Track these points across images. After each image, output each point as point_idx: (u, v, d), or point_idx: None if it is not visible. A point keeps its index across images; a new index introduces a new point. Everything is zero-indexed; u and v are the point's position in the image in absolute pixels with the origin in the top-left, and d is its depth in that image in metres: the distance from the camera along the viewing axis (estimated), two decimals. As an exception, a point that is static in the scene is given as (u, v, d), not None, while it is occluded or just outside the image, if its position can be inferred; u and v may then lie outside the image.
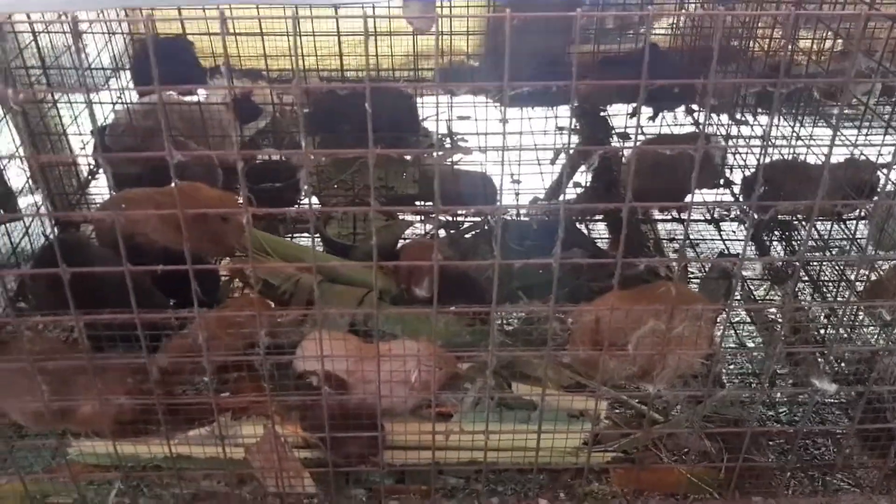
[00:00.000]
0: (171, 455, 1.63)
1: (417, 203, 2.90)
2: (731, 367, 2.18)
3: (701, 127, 2.78)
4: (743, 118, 3.17)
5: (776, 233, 2.73)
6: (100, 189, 3.03)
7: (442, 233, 2.75)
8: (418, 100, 3.33)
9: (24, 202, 2.67)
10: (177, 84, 1.26)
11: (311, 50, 3.18)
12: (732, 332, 2.28)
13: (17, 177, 2.68)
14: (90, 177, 3.10)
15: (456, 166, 3.09)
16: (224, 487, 1.76)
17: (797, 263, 1.43)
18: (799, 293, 2.45)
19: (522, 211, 2.96)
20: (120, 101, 3.05)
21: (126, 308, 1.41)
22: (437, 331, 1.93)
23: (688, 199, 1.29)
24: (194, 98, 3.12)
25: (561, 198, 1.24)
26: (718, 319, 1.90)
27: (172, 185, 2.49)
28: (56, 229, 2.83)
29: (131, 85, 3.26)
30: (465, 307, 1.61)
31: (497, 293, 1.33)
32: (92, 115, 1.38)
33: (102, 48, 3.20)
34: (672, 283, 1.52)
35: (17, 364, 1.68)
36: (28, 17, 2.63)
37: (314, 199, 3.05)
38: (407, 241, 2.66)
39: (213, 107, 3.01)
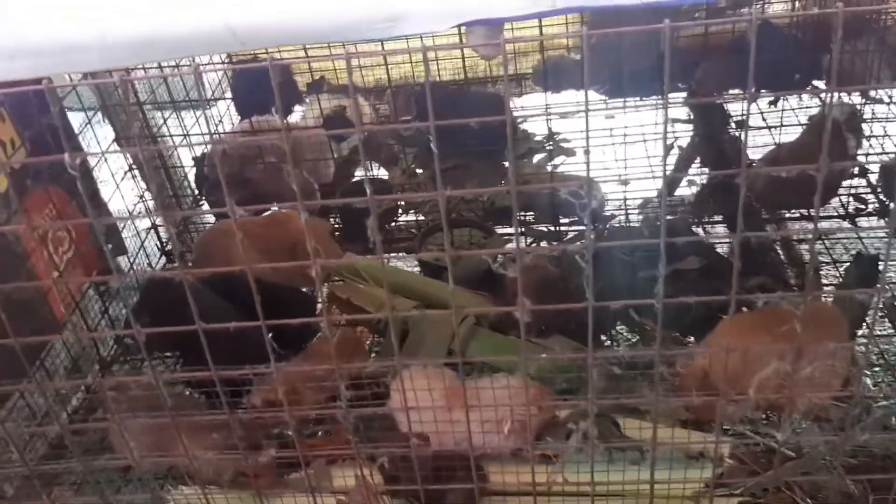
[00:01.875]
0: (262, 506, 1.58)
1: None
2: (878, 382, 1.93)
3: (827, 112, 2.49)
4: (878, 96, 2.83)
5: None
6: (205, 217, 3.07)
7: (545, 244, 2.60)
8: (515, 101, 3.19)
9: (126, 233, 2.74)
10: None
11: (405, 57, 3.09)
12: (876, 350, 2.01)
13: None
14: (195, 205, 3.14)
15: (555, 171, 2.93)
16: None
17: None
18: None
19: (632, 214, 2.77)
20: (218, 131, 3.07)
21: (223, 351, 1.38)
22: (535, 365, 1.79)
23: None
24: (291, 120, 3.11)
25: (664, 201, 1.06)
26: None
27: (265, 214, 2.46)
28: (163, 259, 2.92)
29: (232, 112, 3.28)
30: (561, 349, 1.46)
31: (600, 323, 1.18)
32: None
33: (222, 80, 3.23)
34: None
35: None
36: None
37: (413, 216, 2.97)
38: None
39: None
